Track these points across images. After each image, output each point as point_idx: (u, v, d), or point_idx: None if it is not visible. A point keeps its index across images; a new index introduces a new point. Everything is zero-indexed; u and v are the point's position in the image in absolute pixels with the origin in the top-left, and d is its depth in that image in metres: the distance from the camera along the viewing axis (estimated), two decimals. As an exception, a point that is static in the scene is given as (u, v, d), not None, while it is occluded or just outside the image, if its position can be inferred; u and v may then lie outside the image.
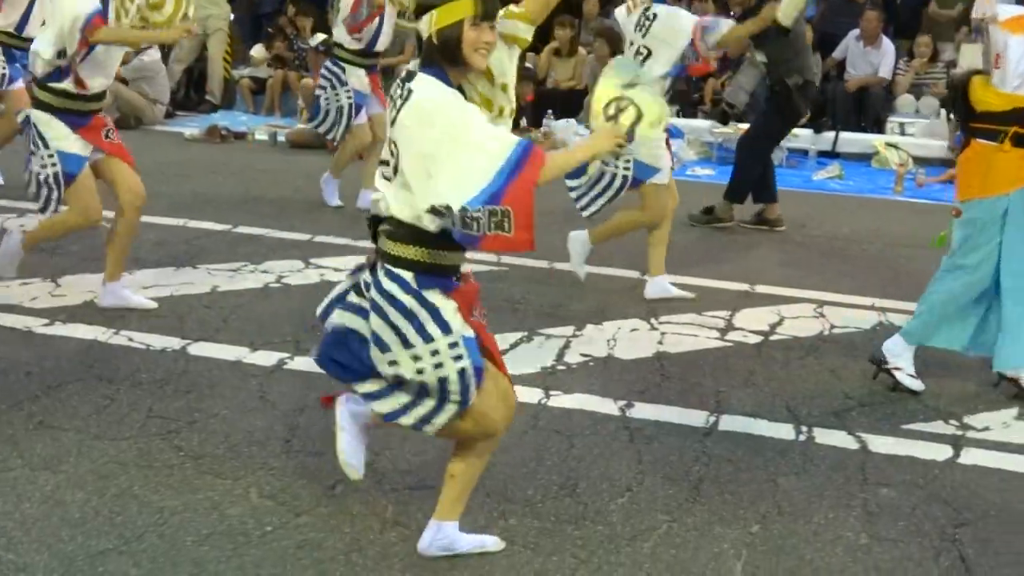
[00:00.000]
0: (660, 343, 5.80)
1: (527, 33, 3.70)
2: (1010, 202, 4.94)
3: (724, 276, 6.90)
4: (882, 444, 4.71)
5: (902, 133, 11.28)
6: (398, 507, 3.97)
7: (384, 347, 3.40)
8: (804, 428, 4.82)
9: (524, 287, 6.52)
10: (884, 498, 4.24)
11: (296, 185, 9.37)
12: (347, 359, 3.56)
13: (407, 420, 3.52)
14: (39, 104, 5.51)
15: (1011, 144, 4.84)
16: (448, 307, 3.40)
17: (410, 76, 3.34)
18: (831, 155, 11.06)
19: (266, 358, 5.32)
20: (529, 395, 4.90)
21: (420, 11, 3.36)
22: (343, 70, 8.02)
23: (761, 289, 6.78)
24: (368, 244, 3.64)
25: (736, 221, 8.42)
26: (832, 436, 4.76)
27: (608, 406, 4.95)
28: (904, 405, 5.16)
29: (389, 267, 3.38)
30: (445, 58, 3.32)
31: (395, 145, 3.37)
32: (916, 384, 5.22)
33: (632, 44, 6.63)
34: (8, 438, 4.39)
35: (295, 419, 4.68)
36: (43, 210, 5.60)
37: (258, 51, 13.62)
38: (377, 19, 7.96)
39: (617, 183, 6.39)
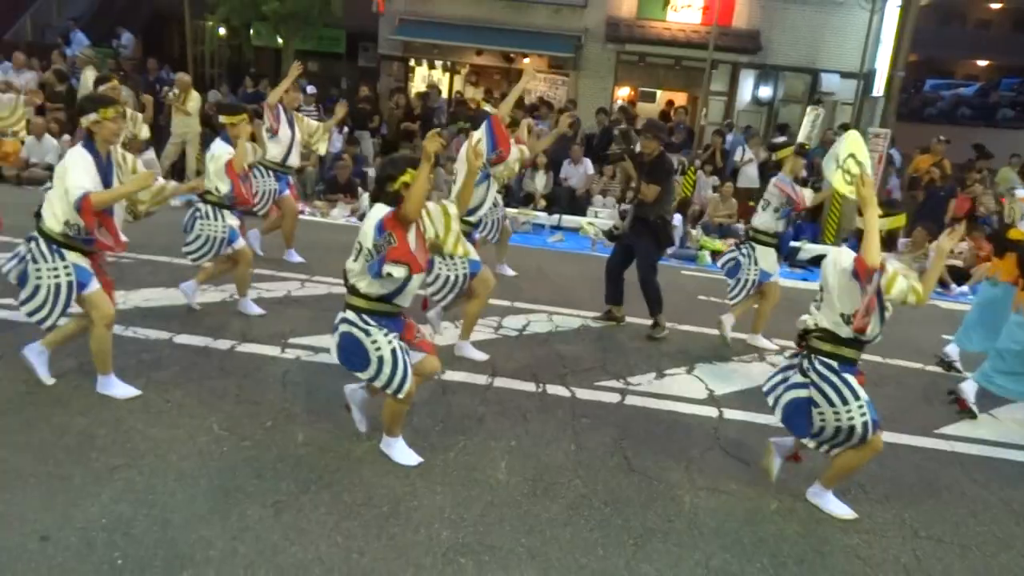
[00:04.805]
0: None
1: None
2: None
3: (498, 297, 6.79)
4: (583, 394, 4.99)
5: (596, 216, 11.69)
6: (306, 434, 4.03)
7: (817, 406, 3.64)
8: (541, 385, 5.05)
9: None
10: (584, 424, 4.54)
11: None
12: (798, 422, 3.72)
13: (822, 449, 3.76)
14: None
15: None
16: (855, 381, 3.62)
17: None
18: (557, 227, 11.33)
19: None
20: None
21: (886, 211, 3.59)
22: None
23: (518, 304, 6.80)
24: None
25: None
26: (556, 389, 5.00)
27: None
28: (593, 371, 5.39)
29: (822, 359, 3.63)
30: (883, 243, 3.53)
31: (825, 280, 3.61)
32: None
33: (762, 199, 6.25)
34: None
35: (242, 380, 4.56)
36: None
37: None
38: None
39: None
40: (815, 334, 3.62)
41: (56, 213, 3.89)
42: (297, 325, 5.56)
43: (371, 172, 12.29)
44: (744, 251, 6.26)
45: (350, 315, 3.59)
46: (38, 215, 4.00)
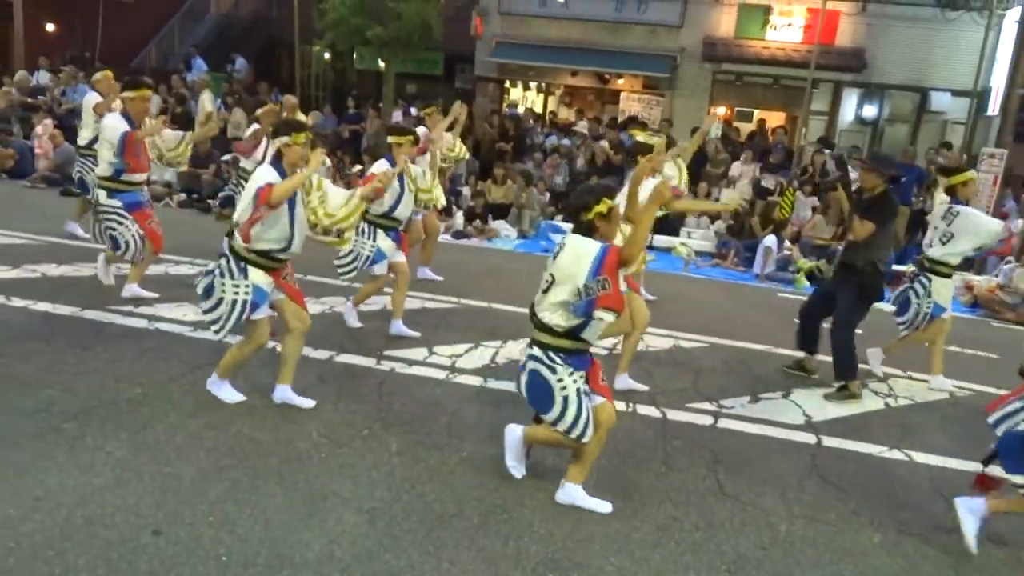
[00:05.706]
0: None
1: None
2: None
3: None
4: (674, 415, 4.91)
5: (688, 236, 11.54)
6: (400, 443, 4.05)
7: None
8: (631, 405, 5.00)
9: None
10: (675, 446, 4.49)
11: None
12: (1014, 457, 3.34)
13: None
14: None
15: None
16: None
17: None
18: (649, 247, 11.17)
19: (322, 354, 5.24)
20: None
21: None
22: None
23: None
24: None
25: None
26: (647, 410, 4.96)
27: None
28: (685, 392, 5.30)
29: None
30: None
31: None
32: None
33: (937, 228, 5.71)
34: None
35: (339, 389, 4.67)
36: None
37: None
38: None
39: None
40: None
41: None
42: (393, 338, 5.67)
43: (465, 191, 12.55)
44: (917, 284, 5.80)
45: (537, 352, 3.46)
46: (230, 234, 4.15)
